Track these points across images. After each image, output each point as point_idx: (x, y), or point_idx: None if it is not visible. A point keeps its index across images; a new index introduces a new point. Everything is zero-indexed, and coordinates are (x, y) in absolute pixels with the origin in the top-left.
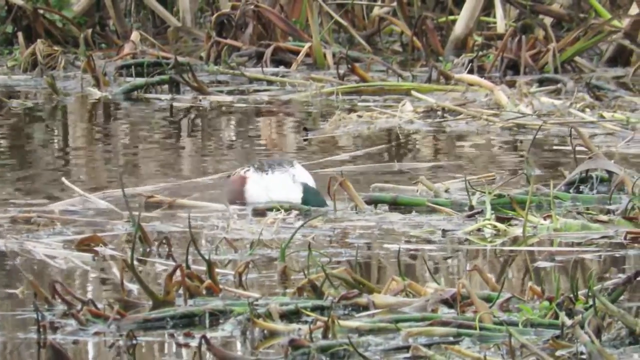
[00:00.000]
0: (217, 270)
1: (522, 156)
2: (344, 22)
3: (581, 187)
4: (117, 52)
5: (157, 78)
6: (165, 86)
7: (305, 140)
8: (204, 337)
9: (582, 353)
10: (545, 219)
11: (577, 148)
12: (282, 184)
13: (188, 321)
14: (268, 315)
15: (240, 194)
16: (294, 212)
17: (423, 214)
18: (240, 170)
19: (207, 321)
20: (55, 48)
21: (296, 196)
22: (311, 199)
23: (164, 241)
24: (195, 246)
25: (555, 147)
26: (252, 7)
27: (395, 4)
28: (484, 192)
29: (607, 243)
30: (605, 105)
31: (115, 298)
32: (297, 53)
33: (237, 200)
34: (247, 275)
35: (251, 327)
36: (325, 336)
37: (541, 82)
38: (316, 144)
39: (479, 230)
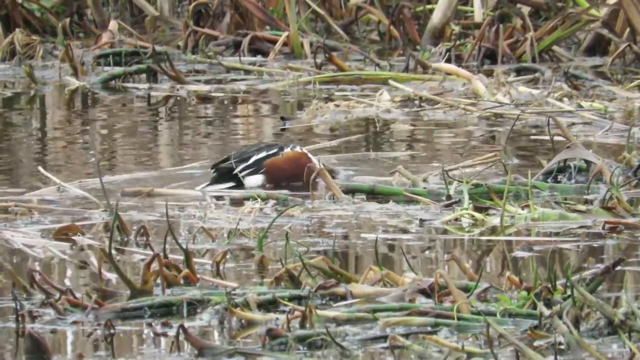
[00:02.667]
0: (194, 259)
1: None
2: (322, 11)
3: (559, 176)
4: (95, 42)
5: (134, 67)
6: (143, 75)
7: (282, 129)
8: (181, 326)
9: (560, 343)
10: (523, 208)
11: (555, 137)
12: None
13: (166, 310)
14: (245, 305)
15: (312, 167)
16: (271, 202)
17: (401, 203)
18: (287, 149)
19: (184, 310)
20: (34, 37)
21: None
22: None
23: (141, 230)
24: (173, 235)
25: (533, 137)
26: None
27: None
28: (462, 182)
29: (585, 233)
30: (583, 95)
31: (93, 287)
32: (274, 42)
33: (306, 175)
34: (224, 264)
35: (229, 316)
36: (302, 326)
37: (519, 72)
38: (293, 132)
39: (456, 219)
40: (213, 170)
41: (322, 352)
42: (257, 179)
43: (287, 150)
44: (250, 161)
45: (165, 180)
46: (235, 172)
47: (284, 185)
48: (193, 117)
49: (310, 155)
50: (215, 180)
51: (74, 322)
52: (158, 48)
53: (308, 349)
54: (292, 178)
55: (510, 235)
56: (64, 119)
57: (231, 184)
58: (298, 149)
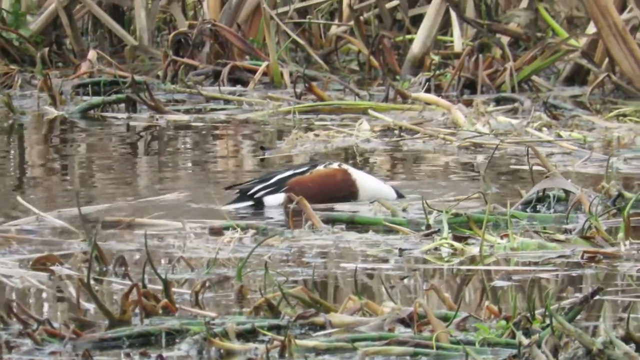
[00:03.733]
0: (173, 289)
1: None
2: (301, 41)
3: (538, 206)
4: (74, 71)
5: (114, 97)
6: (122, 105)
7: (262, 159)
8: (160, 356)
9: None
10: (502, 238)
11: (534, 167)
12: (373, 177)
13: (144, 340)
14: (225, 335)
15: (348, 184)
16: (251, 231)
17: (380, 233)
18: (320, 167)
19: (163, 340)
20: (12, 67)
21: (390, 188)
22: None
23: (120, 260)
24: (152, 265)
25: (512, 166)
26: (210, 26)
27: (352, 22)
28: (441, 212)
29: (564, 262)
30: (562, 125)
31: (71, 317)
32: (254, 72)
33: (343, 192)
34: (203, 294)
35: (208, 346)
36: (282, 355)
37: (498, 101)
38: (273, 162)
39: (436, 249)
40: (236, 191)
41: None
42: (277, 198)
43: (320, 167)
44: (272, 180)
45: (144, 210)
46: (251, 192)
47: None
48: (172, 147)
49: (352, 170)
50: (236, 200)
51: (52, 353)
52: (137, 78)
53: None
54: (319, 196)
55: (489, 264)
56: (43, 149)
57: (249, 203)
58: (335, 165)
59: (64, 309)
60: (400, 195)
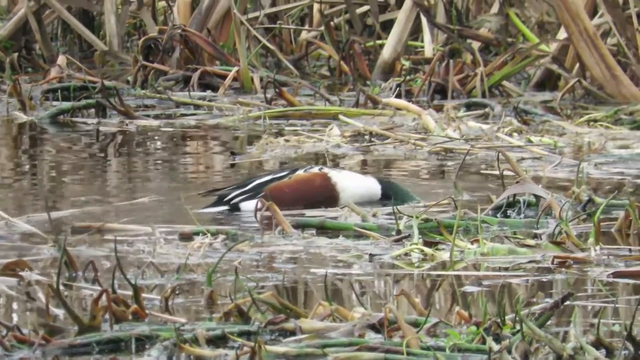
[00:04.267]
0: (143, 295)
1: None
2: (272, 46)
3: (509, 211)
4: (43, 76)
5: (83, 102)
6: (92, 110)
7: (232, 164)
8: None
9: None
10: (472, 243)
11: (505, 172)
12: (359, 177)
13: (114, 346)
14: (194, 341)
15: (328, 189)
16: (221, 237)
17: (350, 238)
18: (300, 171)
19: (133, 346)
20: None
21: (376, 187)
22: (395, 190)
23: (89, 266)
24: (121, 271)
25: (482, 172)
26: (180, 31)
27: (322, 28)
28: (411, 217)
29: (535, 267)
30: (532, 130)
31: (41, 323)
32: (224, 77)
33: (322, 196)
34: (173, 300)
35: (178, 352)
36: None
37: (469, 107)
38: (243, 168)
39: (406, 254)
40: (214, 196)
41: None
42: (254, 204)
43: (300, 172)
44: (249, 186)
45: (115, 215)
46: (227, 198)
47: (290, 209)
48: (142, 152)
49: (333, 174)
50: (212, 205)
51: (21, 359)
52: (107, 83)
53: None
54: (297, 202)
55: (459, 270)
56: (12, 154)
57: (225, 207)
58: (315, 169)
59: (33, 314)
60: (386, 196)
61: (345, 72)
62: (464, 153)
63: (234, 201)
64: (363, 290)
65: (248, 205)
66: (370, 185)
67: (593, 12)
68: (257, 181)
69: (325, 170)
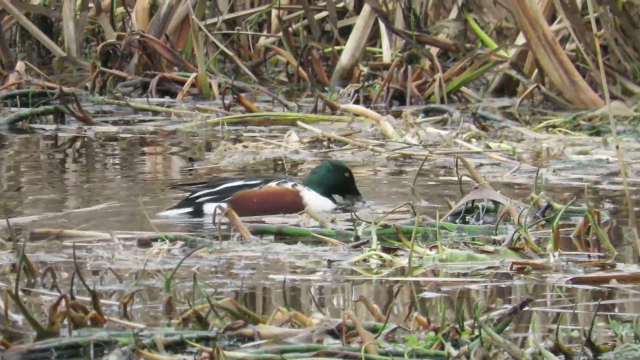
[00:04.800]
0: (101, 300)
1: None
2: (230, 52)
3: (467, 217)
4: (1, 82)
5: (42, 108)
6: (51, 116)
7: (190, 170)
8: None
9: None
10: (431, 249)
11: (463, 178)
12: (329, 201)
13: (73, 352)
14: (153, 346)
15: (299, 208)
16: (179, 243)
17: (309, 244)
18: (272, 183)
19: (92, 352)
20: None
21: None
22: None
23: (48, 271)
24: (80, 276)
25: (441, 178)
26: (138, 37)
27: (281, 34)
28: (370, 223)
29: (493, 273)
30: (491, 136)
31: None
32: (182, 83)
33: (290, 213)
34: (132, 305)
35: (136, 357)
36: None
37: (427, 113)
38: (202, 174)
39: (364, 260)
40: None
41: None
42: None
43: (273, 184)
44: (218, 188)
45: (73, 221)
46: (192, 197)
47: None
48: (101, 158)
49: (305, 193)
50: (177, 206)
51: None
52: (66, 89)
53: None
54: (264, 212)
55: (418, 276)
56: None
57: (189, 209)
58: (289, 185)
59: None
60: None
61: (304, 78)
62: (422, 159)
63: (198, 200)
64: (321, 296)
65: (212, 207)
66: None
67: (552, 18)
68: (227, 185)
69: (299, 187)
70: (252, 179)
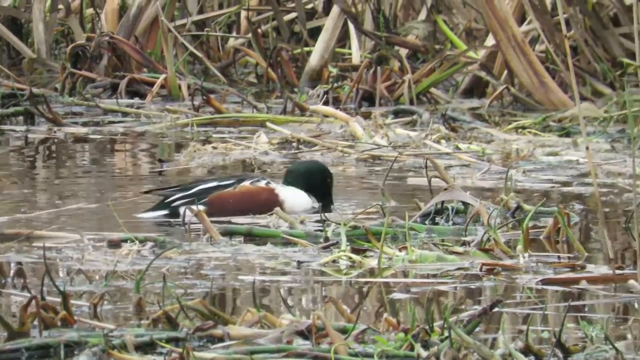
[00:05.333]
0: (72, 301)
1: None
2: (199, 54)
3: (437, 218)
4: None
5: (12, 109)
6: (21, 118)
7: (160, 171)
8: None
9: None
10: (400, 250)
11: (433, 179)
12: (305, 195)
13: (43, 352)
14: (123, 347)
15: (276, 204)
16: (149, 244)
17: (278, 245)
18: (246, 182)
19: (62, 352)
20: None
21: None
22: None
23: (18, 272)
24: (50, 277)
25: (410, 179)
26: (107, 38)
27: (250, 35)
28: (339, 224)
29: (463, 274)
30: (460, 137)
31: None
32: (152, 84)
33: (267, 211)
34: (102, 306)
35: (106, 358)
36: None
37: (396, 114)
38: (171, 175)
39: (334, 261)
40: (157, 197)
41: None
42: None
43: (246, 183)
44: (193, 190)
45: (43, 222)
46: (168, 200)
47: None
48: (71, 159)
49: (280, 190)
50: (153, 209)
51: None
52: (35, 90)
53: None
54: (241, 212)
55: (388, 277)
56: None
57: (165, 212)
58: (262, 183)
59: None
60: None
61: (273, 80)
62: (391, 160)
63: (174, 204)
64: (291, 297)
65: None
66: (311, 204)
67: (521, 19)
68: (202, 186)
69: (273, 185)
70: (225, 180)
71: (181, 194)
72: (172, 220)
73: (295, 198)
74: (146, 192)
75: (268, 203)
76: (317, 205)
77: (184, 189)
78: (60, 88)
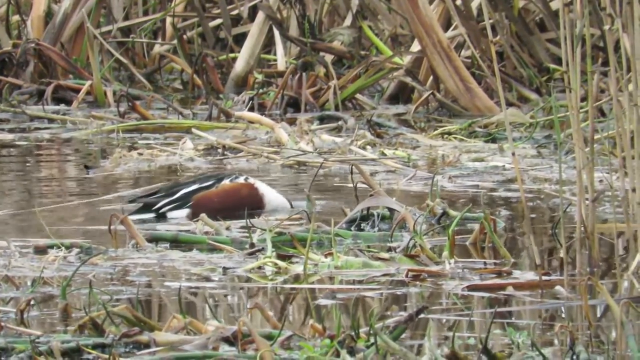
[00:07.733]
0: None
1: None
2: (125, 60)
3: (362, 224)
4: None
5: None
6: None
7: (86, 177)
8: None
9: None
10: (326, 256)
11: (358, 185)
12: (276, 192)
13: None
14: (50, 353)
15: (256, 199)
16: (75, 250)
17: (204, 251)
18: (226, 180)
19: None
20: None
21: (287, 202)
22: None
23: None
24: None
25: (336, 185)
26: (33, 45)
27: (175, 41)
28: (265, 230)
29: (389, 281)
30: (386, 143)
31: None
32: (78, 91)
33: (250, 206)
34: (28, 312)
35: None
36: None
37: (322, 120)
38: (97, 181)
39: (259, 268)
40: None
41: None
42: (182, 213)
43: (226, 181)
44: (177, 195)
45: None
46: (155, 207)
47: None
48: None
49: (259, 184)
50: (137, 212)
51: None
52: None
53: None
54: (225, 211)
55: (313, 283)
56: None
57: (151, 215)
58: (241, 179)
59: None
60: (292, 206)
61: (198, 86)
62: (317, 166)
63: (162, 210)
64: (217, 304)
65: (176, 215)
66: (283, 198)
67: (447, 25)
68: (184, 190)
69: (251, 180)
70: (205, 180)
71: (167, 200)
72: (100, 226)
73: (274, 193)
74: (131, 202)
75: (250, 197)
76: (293, 206)
77: (167, 194)
78: None
